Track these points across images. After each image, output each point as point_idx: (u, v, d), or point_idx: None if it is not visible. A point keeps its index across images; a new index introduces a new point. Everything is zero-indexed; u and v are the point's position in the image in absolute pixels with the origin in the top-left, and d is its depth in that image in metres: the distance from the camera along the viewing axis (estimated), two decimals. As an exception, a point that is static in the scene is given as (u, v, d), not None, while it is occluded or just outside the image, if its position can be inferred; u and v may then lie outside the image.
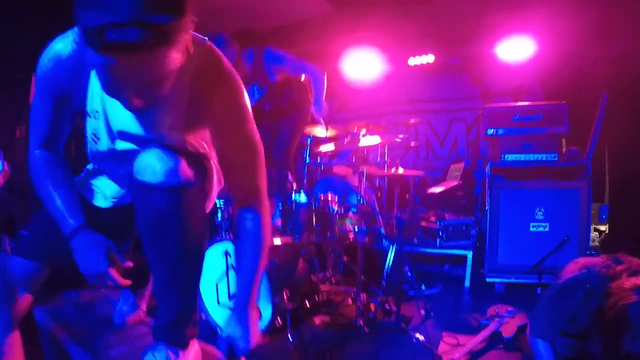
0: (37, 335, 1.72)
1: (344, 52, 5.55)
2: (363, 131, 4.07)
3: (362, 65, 5.54)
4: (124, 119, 1.24)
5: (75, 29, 1.15)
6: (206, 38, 1.25)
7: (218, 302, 2.41)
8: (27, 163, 1.38)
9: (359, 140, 3.58)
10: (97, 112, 1.28)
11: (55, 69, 1.23)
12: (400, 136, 3.93)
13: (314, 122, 3.68)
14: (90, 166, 1.51)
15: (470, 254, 3.42)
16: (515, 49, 4.78)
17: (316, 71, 3.55)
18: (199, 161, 1.32)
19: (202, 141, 1.34)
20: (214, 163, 1.42)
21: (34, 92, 1.31)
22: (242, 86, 1.30)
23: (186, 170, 1.21)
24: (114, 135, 1.29)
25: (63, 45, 1.22)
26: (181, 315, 1.34)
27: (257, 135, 1.32)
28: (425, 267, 3.80)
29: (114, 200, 1.48)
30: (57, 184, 1.33)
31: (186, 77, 1.19)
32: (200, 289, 2.46)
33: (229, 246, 2.51)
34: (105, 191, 1.48)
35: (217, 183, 1.46)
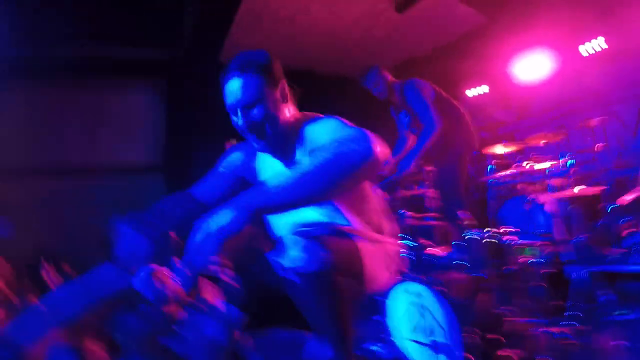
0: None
1: (510, 57, 5.43)
2: (542, 142, 4.00)
3: (531, 66, 5.34)
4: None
5: None
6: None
7: (407, 337, 2.65)
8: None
9: (536, 160, 3.55)
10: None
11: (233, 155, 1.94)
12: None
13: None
14: None
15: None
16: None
17: (431, 124, 3.66)
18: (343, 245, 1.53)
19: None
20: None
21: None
22: (341, 122, 1.57)
23: (319, 258, 1.40)
24: None
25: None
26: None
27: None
28: (634, 286, 3.23)
29: None
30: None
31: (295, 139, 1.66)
32: (391, 324, 2.75)
33: (417, 289, 2.77)
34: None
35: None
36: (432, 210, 4.32)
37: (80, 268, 3.91)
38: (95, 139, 5.52)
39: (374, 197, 1.78)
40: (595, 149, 4.10)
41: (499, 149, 4.19)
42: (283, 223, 1.75)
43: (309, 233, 1.48)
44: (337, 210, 1.65)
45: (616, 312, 2.79)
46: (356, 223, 1.66)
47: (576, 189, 3.06)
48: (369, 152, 1.28)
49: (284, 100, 1.67)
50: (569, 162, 3.86)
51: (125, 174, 5.74)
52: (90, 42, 5.20)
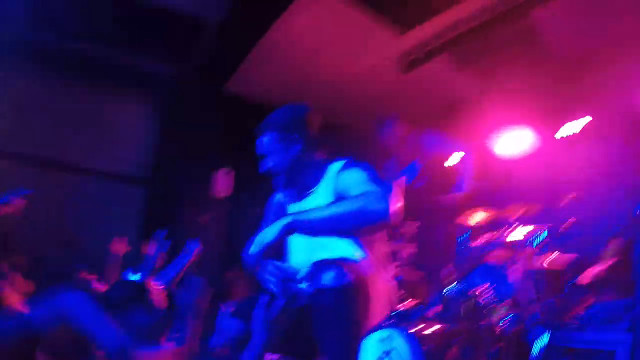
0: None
1: (494, 129, 5.78)
2: (520, 212, 4.26)
3: (513, 140, 5.70)
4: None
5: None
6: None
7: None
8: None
9: (514, 228, 3.83)
10: None
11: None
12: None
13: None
14: None
15: (628, 340, 3.00)
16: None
17: (468, 152, 3.97)
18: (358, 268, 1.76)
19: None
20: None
21: None
22: (366, 169, 1.85)
23: (342, 276, 1.67)
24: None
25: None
26: None
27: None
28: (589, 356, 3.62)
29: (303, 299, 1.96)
30: None
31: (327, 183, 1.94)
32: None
33: (389, 333, 2.93)
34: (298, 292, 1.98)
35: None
36: (407, 264, 4.51)
37: (37, 260, 3.90)
38: (85, 138, 5.50)
39: (383, 238, 2.02)
40: (566, 225, 4.41)
41: (478, 216, 4.40)
42: (305, 252, 1.97)
43: (333, 258, 1.76)
44: (355, 243, 1.87)
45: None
46: (368, 257, 1.88)
47: (545, 261, 3.32)
48: (386, 213, 1.64)
49: (294, 150, 2.00)
50: (542, 234, 4.16)
51: (109, 179, 5.73)
52: (104, 43, 5.27)
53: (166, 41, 5.16)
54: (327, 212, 1.68)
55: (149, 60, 5.59)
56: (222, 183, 6.10)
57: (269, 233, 1.67)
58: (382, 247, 2.00)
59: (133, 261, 4.24)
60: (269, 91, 5.51)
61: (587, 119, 5.30)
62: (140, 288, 2.69)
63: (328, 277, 1.67)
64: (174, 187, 5.91)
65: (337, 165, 1.97)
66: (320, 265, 1.72)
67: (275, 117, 2.04)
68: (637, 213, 3.46)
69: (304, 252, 1.98)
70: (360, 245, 1.87)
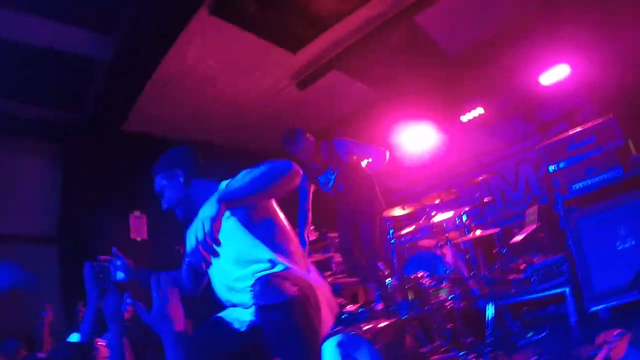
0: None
1: (398, 129, 5.97)
2: (437, 201, 4.39)
3: (418, 137, 5.92)
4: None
5: None
6: None
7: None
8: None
9: (434, 215, 3.90)
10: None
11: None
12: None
13: None
14: None
15: (567, 290, 3.36)
16: (556, 76, 5.09)
17: (378, 153, 3.96)
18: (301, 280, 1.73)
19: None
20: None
21: None
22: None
23: (289, 290, 1.64)
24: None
25: None
26: None
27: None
28: (530, 314, 3.76)
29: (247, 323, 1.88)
30: None
31: None
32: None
33: (341, 338, 2.85)
34: (240, 317, 1.90)
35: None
36: (339, 272, 4.49)
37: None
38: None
39: (299, 249, 2.01)
40: (484, 203, 4.60)
41: (397, 212, 4.45)
42: (225, 282, 1.94)
43: (267, 275, 1.73)
44: (277, 253, 1.86)
45: (524, 336, 3.12)
46: (295, 266, 1.85)
47: (474, 233, 3.42)
48: (290, 165, 1.79)
49: (179, 183, 2.11)
50: (463, 215, 4.30)
51: (12, 244, 5.12)
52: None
53: (58, 86, 4.76)
54: (243, 180, 1.73)
55: (43, 108, 5.14)
56: (136, 226, 5.76)
57: (207, 211, 1.56)
58: (301, 255, 1.98)
59: (65, 323, 3.99)
60: (171, 124, 5.34)
61: (481, 110, 5.65)
62: (82, 349, 2.43)
63: (268, 294, 1.64)
64: (87, 240, 5.48)
65: (225, 182, 2.03)
66: (256, 283, 1.69)
67: (158, 161, 2.18)
68: (548, 172, 3.66)
69: (225, 275, 1.94)
70: (283, 254, 1.86)
